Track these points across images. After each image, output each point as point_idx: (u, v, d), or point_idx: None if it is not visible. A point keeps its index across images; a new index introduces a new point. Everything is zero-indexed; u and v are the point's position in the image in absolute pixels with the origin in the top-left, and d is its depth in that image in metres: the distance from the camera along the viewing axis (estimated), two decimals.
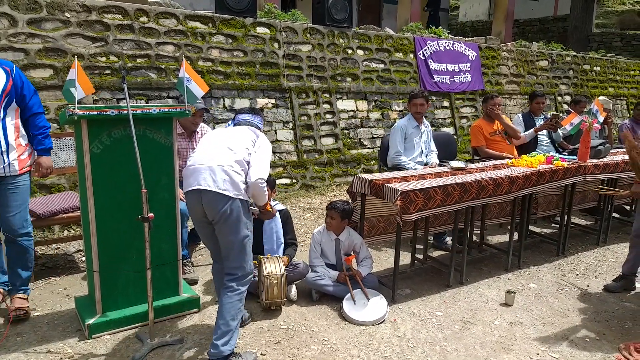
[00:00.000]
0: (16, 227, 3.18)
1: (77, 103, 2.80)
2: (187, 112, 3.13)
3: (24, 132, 3.25)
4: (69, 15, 5.32)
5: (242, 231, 2.75)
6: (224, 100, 6.32)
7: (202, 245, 4.59)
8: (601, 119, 4.63)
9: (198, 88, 3.13)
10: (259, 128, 3.06)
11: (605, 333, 3.34)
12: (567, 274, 4.31)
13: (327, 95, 7.27)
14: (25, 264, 3.30)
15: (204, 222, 2.83)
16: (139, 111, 2.96)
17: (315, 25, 7.31)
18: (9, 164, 3.11)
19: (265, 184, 2.78)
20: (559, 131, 5.62)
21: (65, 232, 4.72)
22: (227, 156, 2.73)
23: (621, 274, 4.02)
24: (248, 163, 2.76)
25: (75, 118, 2.79)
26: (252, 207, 2.95)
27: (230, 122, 3.14)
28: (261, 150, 2.84)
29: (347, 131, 7.43)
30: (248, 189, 2.75)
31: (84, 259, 4.11)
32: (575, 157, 4.67)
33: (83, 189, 3.03)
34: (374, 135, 7.69)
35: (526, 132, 5.56)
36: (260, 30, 6.72)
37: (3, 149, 3.09)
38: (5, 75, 3.10)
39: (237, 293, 2.77)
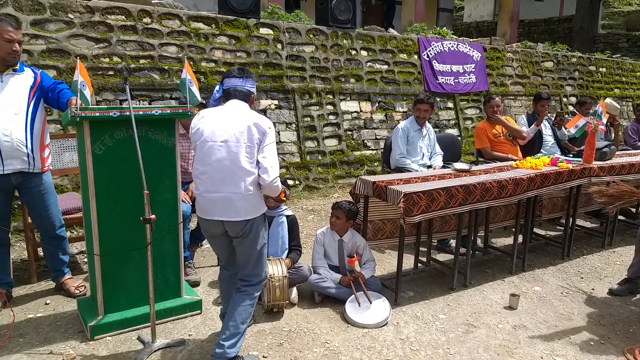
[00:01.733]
0: (55, 222, 3.49)
1: (81, 105, 2.81)
2: (189, 113, 3.12)
3: (47, 131, 3.44)
4: (72, 17, 5.33)
5: (260, 242, 2.74)
6: None
7: (205, 246, 4.58)
8: (604, 120, 4.60)
9: (197, 90, 3.11)
10: (251, 93, 2.81)
11: (610, 337, 3.31)
12: (572, 277, 4.27)
13: (331, 97, 7.25)
14: (65, 249, 3.64)
15: (222, 237, 2.78)
16: (141, 112, 2.95)
17: (318, 26, 7.30)
18: (34, 159, 3.26)
19: (279, 180, 2.68)
20: (564, 131, 5.58)
21: (68, 233, 4.69)
22: (242, 180, 2.57)
23: (626, 277, 3.98)
24: (258, 163, 2.63)
25: (78, 119, 2.79)
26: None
27: (218, 88, 2.82)
28: (269, 148, 2.64)
29: (350, 132, 7.41)
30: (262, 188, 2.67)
31: (86, 260, 4.11)
32: (580, 159, 4.63)
33: (85, 190, 3.03)
34: (378, 137, 7.67)
35: (529, 129, 5.53)
36: (263, 31, 6.72)
37: (28, 146, 3.22)
38: (34, 74, 3.33)
39: (250, 297, 2.77)
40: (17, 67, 3.24)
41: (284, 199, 2.95)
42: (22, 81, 3.25)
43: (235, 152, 2.57)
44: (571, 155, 5.21)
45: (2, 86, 3.15)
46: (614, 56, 12.44)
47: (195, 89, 3.07)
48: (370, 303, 3.41)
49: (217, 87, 2.84)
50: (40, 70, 3.43)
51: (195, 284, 3.82)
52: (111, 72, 5.50)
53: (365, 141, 7.54)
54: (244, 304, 2.74)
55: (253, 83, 2.85)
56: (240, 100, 2.75)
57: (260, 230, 2.72)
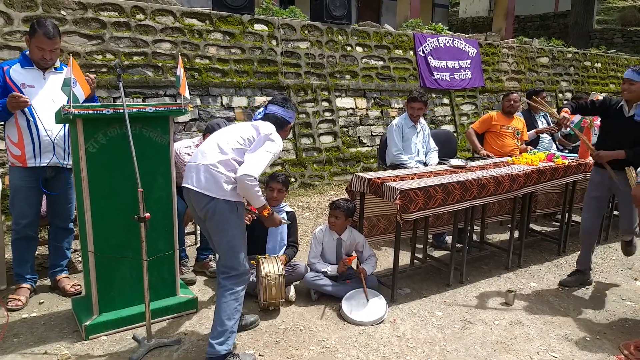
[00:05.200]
0: (71, 215, 3.68)
1: (74, 102, 2.79)
2: (183, 110, 3.10)
3: None
4: (64, 13, 5.28)
5: (228, 231, 2.71)
6: (221, 98, 6.28)
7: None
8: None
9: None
10: (288, 122, 3.02)
11: (605, 332, 3.32)
12: (568, 273, 4.27)
13: (326, 93, 7.23)
14: (70, 242, 3.78)
15: (198, 218, 2.84)
16: (135, 110, 2.93)
17: (313, 22, 7.26)
18: (68, 155, 3.43)
19: (256, 182, 2.64)
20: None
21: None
22: (213, 155, 2.70)
23: (576, 268, 4.10)
24: (241, 163, 2.70)
25: (71, 117, 2.76)
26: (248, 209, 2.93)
27: (261, 110, 3.05)
28: (259, 149, 2.73)
29: (346, 129, 7.39)
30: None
31: (80, 259, 4.09)
32: (576, 155, 4.63)
33: (79, 189, 3.00)
34: (374, 133, 7.65)
35: (529, 132, 5.54)
36: (258, 27, 6.68)
37: (65, 142, 3.41)
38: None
39: (230, 292, 2.74)
40: (58, 65, 3.43)
41: (267, 215, 2.81)
42: (61, 79, 3.29)
43: (228, 137, 2.77)
44: (567, 151, 5.21)
45: (44, 83, 3.33)
46: (609, 52, 12.46)
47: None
48: (367, 300, 3.41)
49: (260, 109, 3.07)
50: None
51: (190, 283, 3.81)
52: (104, 69, 5.46)
53: (361, 138, 7.52)
54: (226, 300, 2.72)
55: (292, 114, 3.07)
56: (272, 124, 2.90)
57: (226, 218, 2.68)
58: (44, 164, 3.34)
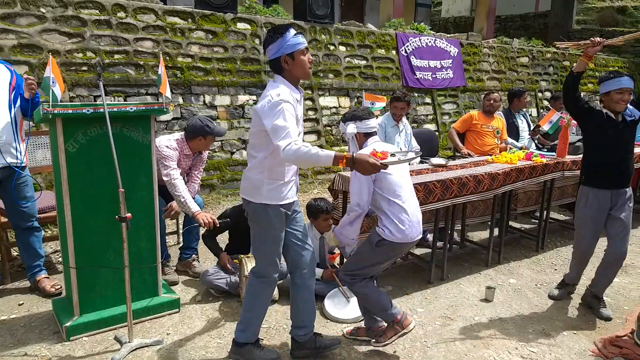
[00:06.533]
0: (33, 212, 3.55)
1: (53, 101, 2.75)
2: (165, 109, 3.08)
3: (23, 126, 3.50)
4: (44, 11, 5.21)
5: (254, 233, 2.68)
6: (204, 97, 6.26)
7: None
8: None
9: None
10: (361, 133, 2.96)
11: (582, 327, 3.39)
12: (546, 269, 4.36)
13: (309, 92, 7.24)
14: (39, 240, 3.63)
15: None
16: (115, 109, 2.90)
17: (296, 21, 7.27)
18: (21, 153, 3.35)
19: (295, 147, 2.28)
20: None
21: (42, 233, 4.62)
22: (250, 159, 2.65)
23: (564, 281, 3.88)
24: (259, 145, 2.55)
25: (50, 116, 2.74)
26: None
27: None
28: (268, 120, 2.41)
29: (329, 128, 7.42)
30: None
31: (60, 259, 4.04)
32: (554, 154, 4.72)
33: (59, 189, 2.98)
34: None
35: (509, 140, 5.60)
36: (240, 25, 6.66)
37: (15, 140, 3.30)
38: (9, 71, 3.36)
39: (251, 285, 2.77)
40: None
41: (343, 164, 2.31)
42: (1, 75, 3.29)
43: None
44: (545, 150, 5.31)
45: None
46: None
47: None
48: (348, 299, 3.43)
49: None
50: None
51: (173, 283, 3.79)
52: (85, 68, 5.40)
53: (345, 137, 7.53)
54: (248, 291, 2.77)
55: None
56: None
57: (255, 221, 2.64)
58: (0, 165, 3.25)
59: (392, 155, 2.56)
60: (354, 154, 2.30)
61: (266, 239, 2.65)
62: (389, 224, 2.77)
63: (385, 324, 2.96)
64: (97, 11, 5.55)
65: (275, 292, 3.59)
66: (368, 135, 2.95)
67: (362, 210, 2.82)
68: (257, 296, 2.76)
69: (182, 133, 3.81)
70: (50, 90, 2.76)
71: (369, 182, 2.78)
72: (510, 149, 5.29)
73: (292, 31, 2.50)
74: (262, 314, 2.81)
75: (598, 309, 3.55)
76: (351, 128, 2.91)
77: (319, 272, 3.64)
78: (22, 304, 3.44)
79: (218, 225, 3.48)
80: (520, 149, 5.17)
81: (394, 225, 2.75)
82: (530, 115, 8.90)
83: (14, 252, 4.01)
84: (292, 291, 2.83)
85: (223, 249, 3.84)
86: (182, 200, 3.46)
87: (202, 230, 4.05)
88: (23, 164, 3.37)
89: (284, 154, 2.30)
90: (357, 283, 2.92)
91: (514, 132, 5.77)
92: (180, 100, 6.05)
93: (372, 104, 4.69)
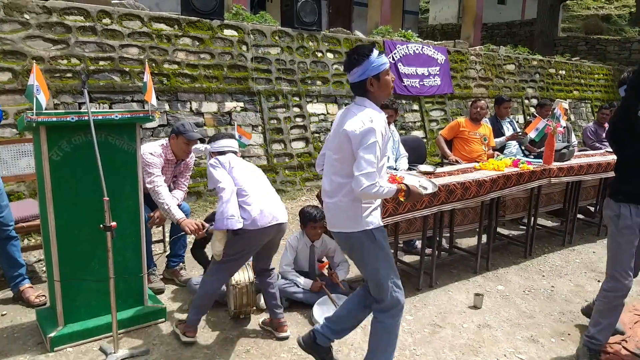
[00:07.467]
0: (9, 222, 3.48)
1: (37, 109, 2.71)
2: (150, 117, 3.05)
3: None
4: (28, 17, 5.15)
5: (366, 261, 2.55)
6: (190, 104, 6.23)
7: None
8: (564, 123, 4.72)
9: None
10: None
11: (570, 333, 3.40)
12: (534, 276, 4.38)
13: (297, 99, 7.24)
14: (18, 248, 3.56)
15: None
16: (100, 117, 2.87)
17: (284, 28, 7.28)
18: None
19: (373, 184, 2.30)
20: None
21: (26, 241, 4.55)
22: (338, 187, 2.55)
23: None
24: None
25: (34, 125, 2.70)
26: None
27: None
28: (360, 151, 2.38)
29: (317, 135, 7.41)
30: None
31: (45, 268, 3.98)
32: (540, 160, 4.75)
33: (42, 197, 2.94)
34: None
35: (496, 139, 5.65)
36: (227, 32, 6.65)
37: None
38: None
39: (381, 324, 2.61)
40: None
41: (403, 198, 2.53)
42: None
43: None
44: (532, 157, 5.35)
45: None
46: (573, 59, 12.84)
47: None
48: (337, 307, 3.41)
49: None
50: None
51: (159, 291, 3.75)
52: (69, 75, 5.34)
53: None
54: (375, 332, 2.61)
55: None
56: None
57: (361, 251, 2.49)
58: None
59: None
60: (409, 186, 2.53)
61: (379, 266, 2.51)
62: (243, 213, 2.85)
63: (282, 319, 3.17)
64: (82, 17, 5.50)
65: (263, 300, 3.54)
66: (220, 154, 3.10)
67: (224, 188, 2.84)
68: (387, 331, 2.60)
69: (167, 139, 3.78)
70: (35, 98, 2.72)
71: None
72: (497, 155, 5.33)
73: (376, 51, 2.41)
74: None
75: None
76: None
77: (307, 283, 3.61)
78: (5, 314, 3.38)
79: (207, 227, 3.42)
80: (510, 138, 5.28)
81: (246, 213, 2.85)
82: (517, 122, 8.98)
83: None
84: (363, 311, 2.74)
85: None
86: (166, 207, 3.41)
87: (189, 238, 4.02)
88: None
89: (361, 191, 2.27)
90: (215, 275, 3.02)
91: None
92: (167, 107, 6.01)
93: (240, 138, 4.51)
